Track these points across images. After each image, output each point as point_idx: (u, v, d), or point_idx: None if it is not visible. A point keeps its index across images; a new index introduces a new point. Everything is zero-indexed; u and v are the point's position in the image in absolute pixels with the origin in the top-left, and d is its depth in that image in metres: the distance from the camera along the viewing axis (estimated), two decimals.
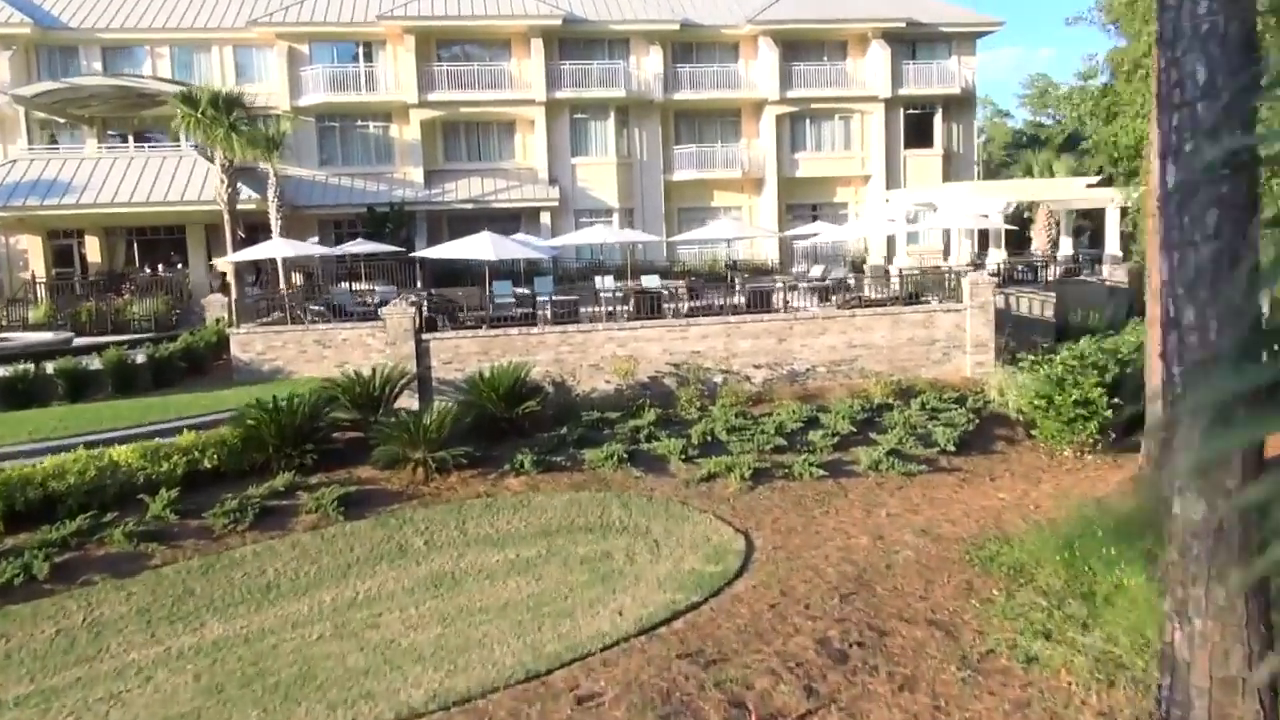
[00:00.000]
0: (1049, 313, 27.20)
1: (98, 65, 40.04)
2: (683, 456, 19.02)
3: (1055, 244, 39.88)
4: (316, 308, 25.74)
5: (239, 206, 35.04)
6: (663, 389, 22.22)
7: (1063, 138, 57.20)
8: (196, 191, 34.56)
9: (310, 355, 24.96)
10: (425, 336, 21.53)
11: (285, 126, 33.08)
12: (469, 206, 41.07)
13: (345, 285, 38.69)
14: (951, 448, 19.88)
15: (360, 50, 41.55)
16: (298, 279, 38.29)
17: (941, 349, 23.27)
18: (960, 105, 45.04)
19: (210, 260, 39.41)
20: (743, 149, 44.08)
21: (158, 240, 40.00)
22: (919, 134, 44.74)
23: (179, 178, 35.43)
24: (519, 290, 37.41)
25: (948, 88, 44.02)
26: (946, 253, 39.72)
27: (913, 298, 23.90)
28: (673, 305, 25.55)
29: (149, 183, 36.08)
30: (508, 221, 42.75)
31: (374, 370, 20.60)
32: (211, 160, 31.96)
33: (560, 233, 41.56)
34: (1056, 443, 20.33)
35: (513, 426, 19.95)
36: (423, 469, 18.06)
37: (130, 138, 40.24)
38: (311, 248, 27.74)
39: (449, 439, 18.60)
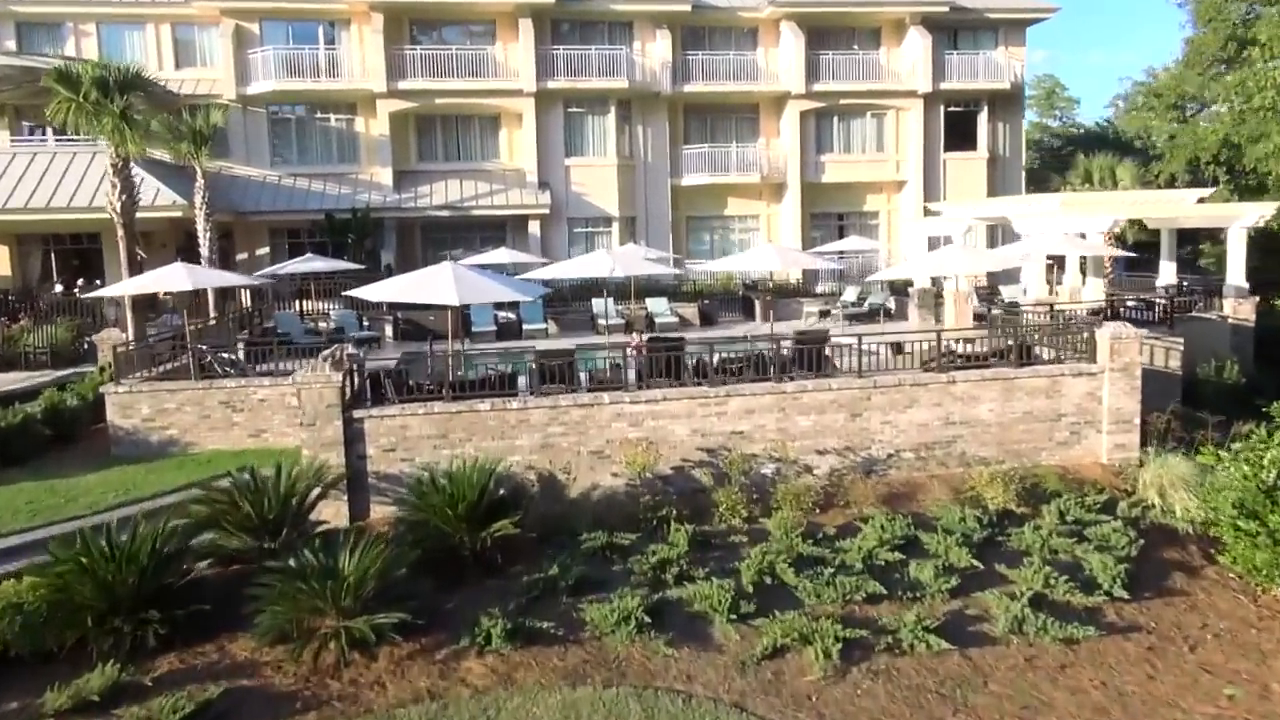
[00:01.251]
0: (1172, 363, 20.46)
1: (11, 44, 32.94)
2: (732, 614, 12.17)
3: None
4: (225, 358, 18.74)
5: (161, 214, 28.05)
6: (692, 486, 15.38)
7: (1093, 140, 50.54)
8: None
9: (216, 421, 18.02)
10: (358, 414, 14.65)
11: (216, 118, 26.05)
12: (445, 214, 34.06)
13: (296, 306, 31.75)
14: (1120, 591, 13.13)
15: (320, 31, 34.42)
16: (245, 298, 31.34)
17: (1069, 426, 16.46)
18: (1007, 103, 38.17)
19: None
20: (761, 150, 37.14)
21: (80, 251, 32.93)
22: (960, 134, 37.93)
23: (100, 178, 28.20)
24: (502, 315, 30.67)
25: (995, 82, 37.14)
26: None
27: (1025, 355, 17.03)
28: (694, 352, 18.73)
29: (69, 184, 29.02)
30: (491, 231, 35.84)
31: (279, 469, 13.68)
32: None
33: (552, 245, 34.71)
34: (1265, 578, 13.61)
35: (479, 559, 13.07)
36: (335, 646, 11.16)
37: (49, 131, 33.00)
38: (229, 277, 20.66)
39: (385, 588, 11.72)
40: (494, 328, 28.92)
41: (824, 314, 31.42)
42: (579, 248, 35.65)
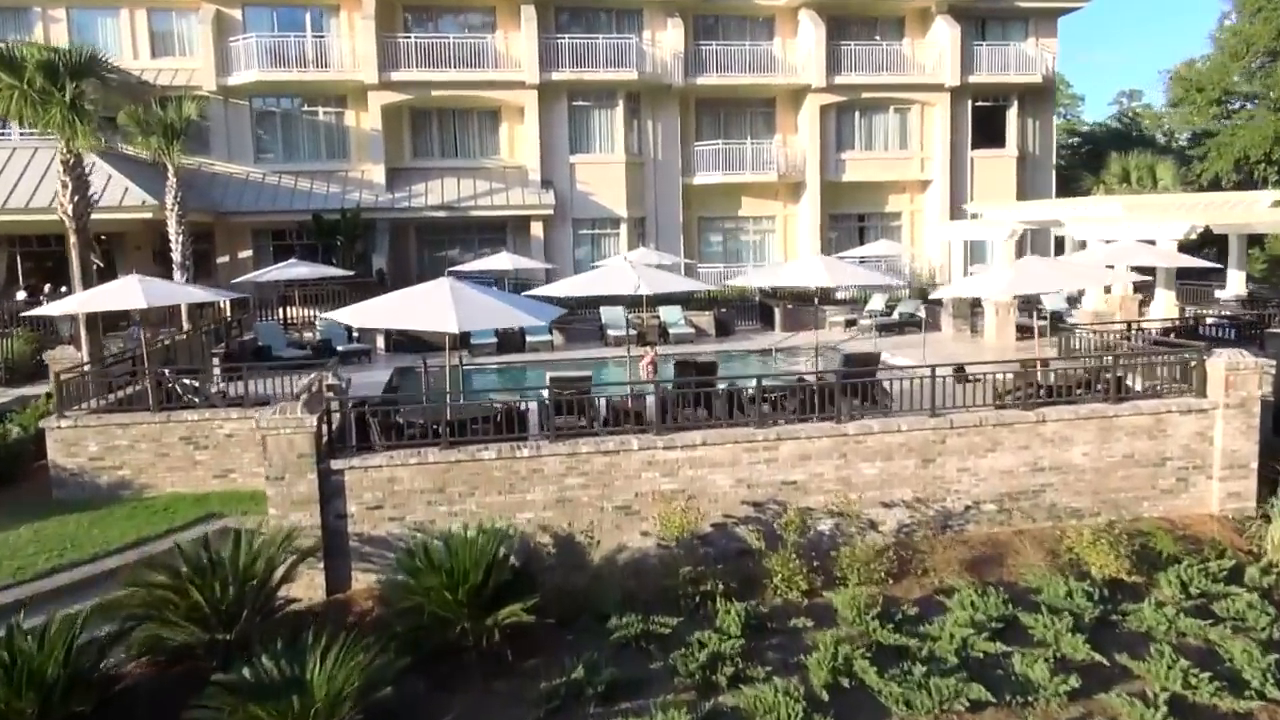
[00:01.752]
0: (1265, 388, 17.76)
1: None
2: None
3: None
4: (189, 385, 15.94)
5: (129, 215, 25.26)
6: (735, 546, 12.71)
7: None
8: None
9: (176, 460, 15.28)
10: (337, 464, 11.96)
11: (190, 110, 23.27)
12: (442, 214, 31.30)
13: (281, 314, 28.97)
14: (1275, 690, 10.50)
15: (307, 18, 31.60)
16: (226, 306, 28.55)
17: (1175, 472, 13.82)
18: (1038, 97, 35.49)
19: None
20: (778, 147, 34.44)
21: (51, 254, 30.09)
22: (988, 131, 35.25)
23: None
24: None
25: (1026, 75, 34.46)
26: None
27: (1122, 389, 14.35)
28: (727, 377, 16.07)
29: (29, 182, 26.17)
30: (490, 233, 33.09)
31: (237, 540, 10.94)
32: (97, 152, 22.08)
33: (556, 247, 32.00)
34: None
35: (485, 654, 10.38)
36: None
37: (12, 125, 30.12)
38: (192, 293, 17.55)
39: (370, 684, 9.03)
40: (495, 340, 26.25)
41: (850, 324, 28.78)
42: (584, 250, 33.00)
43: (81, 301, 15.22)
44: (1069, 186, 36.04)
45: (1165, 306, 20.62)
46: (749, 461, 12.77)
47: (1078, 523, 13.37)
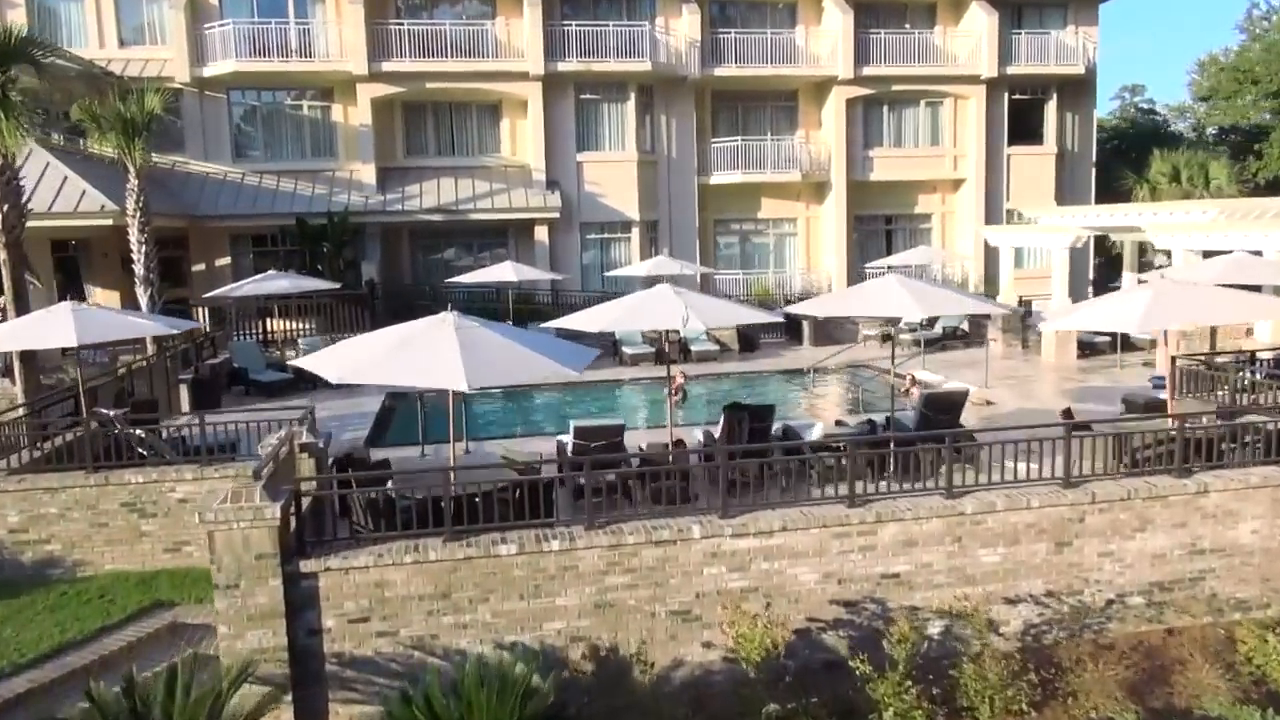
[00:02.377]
0: None
1: None
2: None
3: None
4: (136, 435, 12.85)
5: (85, 222, 22.14)
6: (823, 658, 9.73)
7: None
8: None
9: (118, 531, 12.25)
10: (308, 565, 8.95)
11: (153, 103, 20.13)
12: (438, 218, 28.21)
13: (262, 328, 25.92)
14: None
15: (290, 3, 28.41)
16: (203, 318, 25.50)
17: None
18: (1077, 90, 32.52)
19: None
20: (800, 144, 31.44)
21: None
22: (1023, 127, 32.32)
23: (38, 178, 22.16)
24: None
25: (1068, 66, 31.50)
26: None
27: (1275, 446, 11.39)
28: (780, 427, 13.14)
29: None
30: (490, 238, 30.09)
31: (172, 677, 7.93)
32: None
33: (561, 253, 28.99)
34: None
35: None
36: None
37: None
38: (139, 325, 13.96)
39: None
40: None
41: (886, 338, 25.81)
42: (591, 256, 29.98)
43: (2, 337, 12.11)
44: (1111, 186, 33.12)
45: (1275, 332, 17.68)
46: (839, 550, 9.80)
47: (1243, 616, 10.46)
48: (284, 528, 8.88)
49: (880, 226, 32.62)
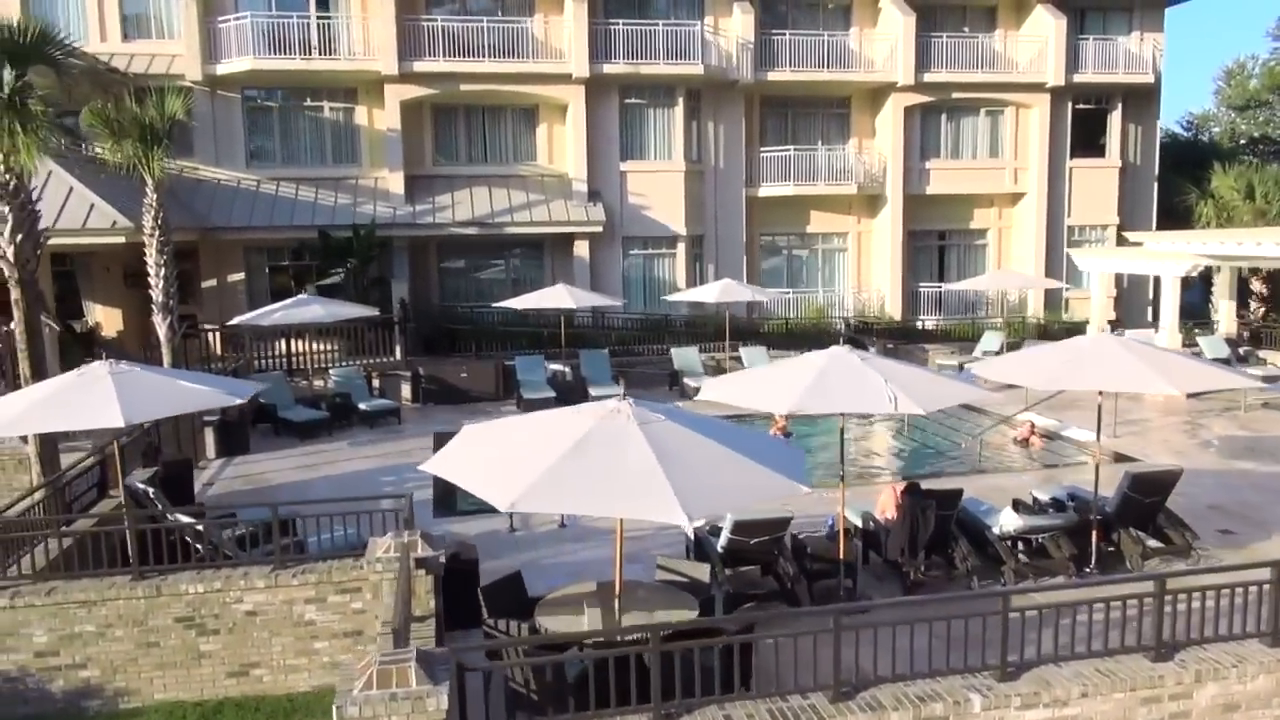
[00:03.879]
0: None
1: None
2: None
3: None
4: (188, 525, 10.25)
5: (94, 239, 19.40)
6: None
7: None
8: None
9: (171, 652, 9.64)
10: None
11: (175, 107, 17.43)
12: (473, 231, 25.62)
13: (284, 351, 23.25)
14: None
15: None
16: (215, 343, 22.86)
17: None
18: (1142, 100, 30.46)
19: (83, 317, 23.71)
20: (854, 154, 29.13)
21: None
22: (1085, 139, 30.24)
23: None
24: (556, 367, 22.51)
25: (1136, 75, 29.43)
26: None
27: None
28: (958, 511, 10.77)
29: None
30: (524, 253, 27.61)
31: None
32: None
33: (601, 270, 26.51)
34: None
35: None
36: None
37: None
38: (180, 390, 10.59)
39: None
40: (551, 394, 20.79)
41: (962, 367, 23.60)
42: (635, 273, 27.52)
43: (18, 418, 9.42)
44: (1171, 203, 31.12)
45: None
46: (1145, 718, 7.46)
47: None
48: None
49: (933, 243, 30.40)
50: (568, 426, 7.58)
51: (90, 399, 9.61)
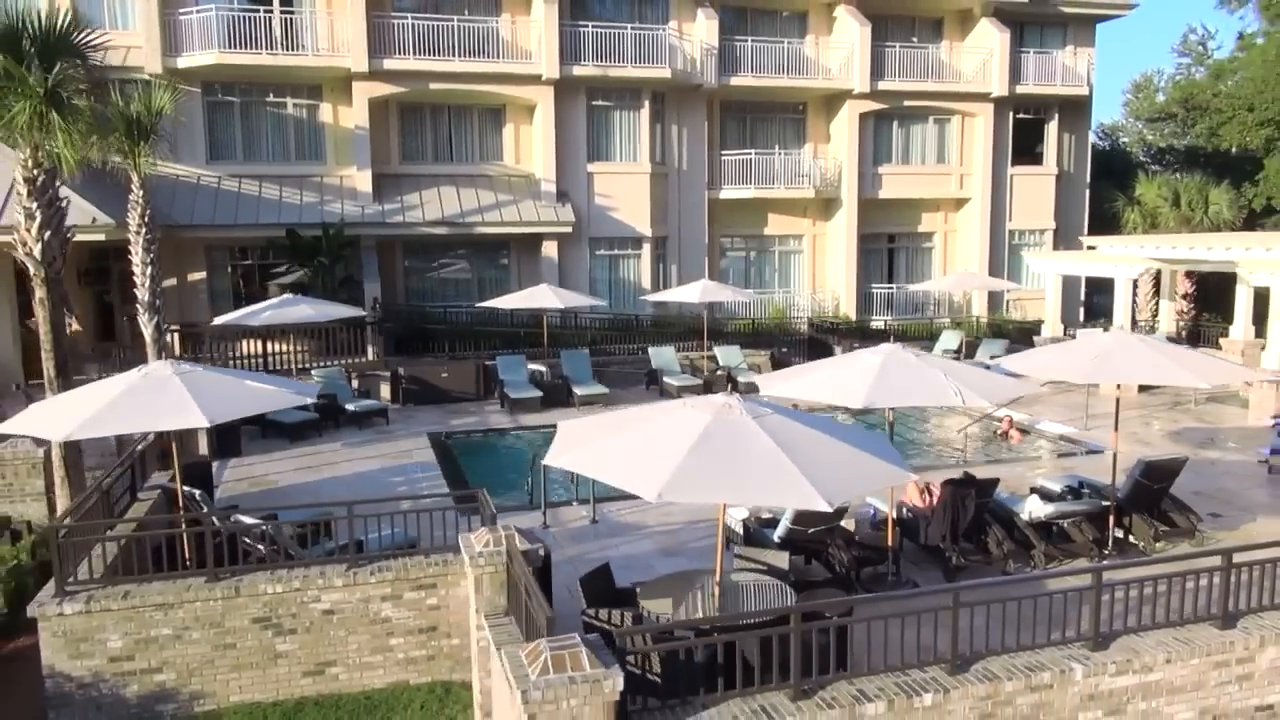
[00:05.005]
0: None
1: None
2: None
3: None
4: (249, 526, 10.20)
5: (82, 238, 18.72)
6: None
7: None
8: None
9: (247, 652, 9.63)
10: None
11: (163, 102, 17.02)
12: (443, 230, 25.55)
13: (244, 350, 22.79)
14: None
15: None
16: (175, 344, 22.23)
17: None
18: (1076, 111, 32.13)
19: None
20: (809, 158, 29.98)
21: None
22: (1023, 147, 31.75)
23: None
24: (534, 367, 22.65)
25: (1071, 87, 31.03)
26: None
27: None
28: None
29: None
30: (490, 253, 27.61)
31: None
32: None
33: (568, 270, 26.71)
34: None
35: None
36: None
37: None
38: (249, 390, 9.94)
39: None
40: (538, 393, 20.96)
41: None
42: (601, 274, 27.81)
43: (94, 419, 9.21)
44: (1101, 210, 32.87)
45: None
46: (1216, 682, 8.19)
47: None
48: (623, 704, 6.66)
49: (883, 245, 31.48)
50: (685, 421, 7.91)
51: (166, 400, 9.51)
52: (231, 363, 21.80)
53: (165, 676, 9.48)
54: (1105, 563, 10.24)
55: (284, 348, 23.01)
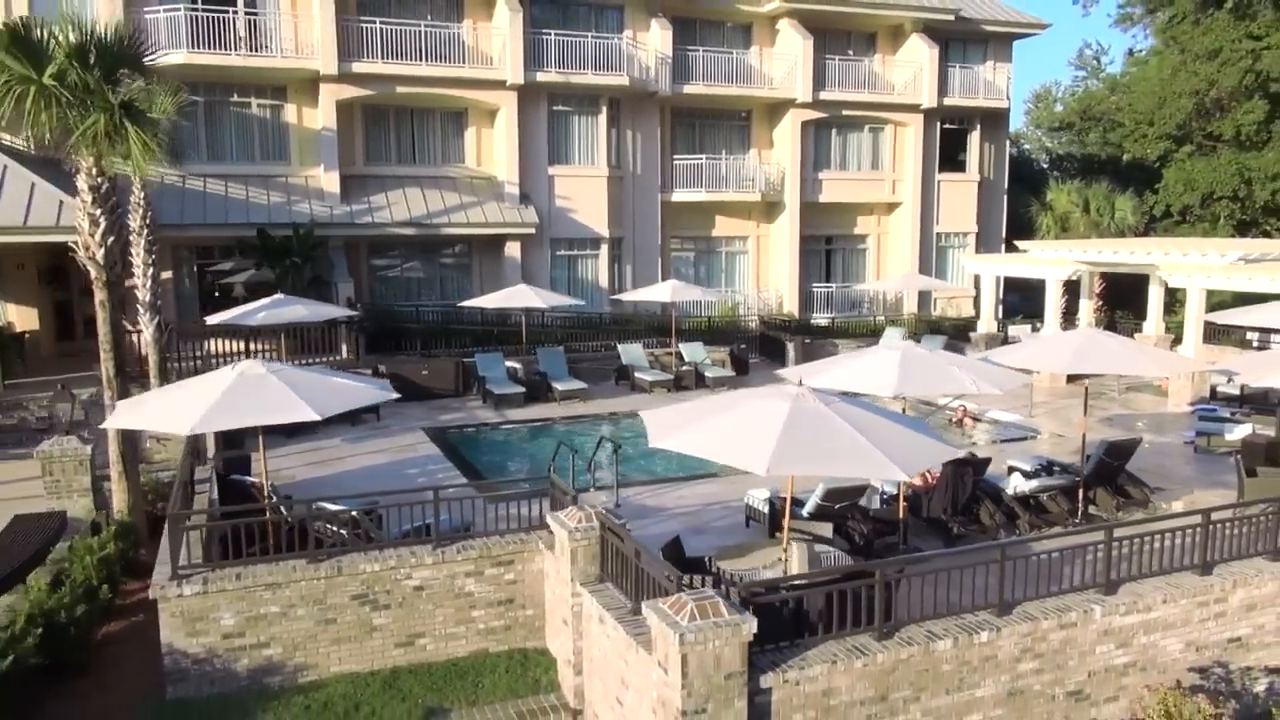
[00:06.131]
0: None
1: None
2: None
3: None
4: (333, 512, 11.10)
5: (65, 237, 18.93)
6: None
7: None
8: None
9: (345, 628, 10.55)
10: (766, 680, 8.01)
11: (167, 106, 17.36)
12: (410, 231, 26.26)
13: (206, 350, 23.10)
14: None
15: None
16: (140, 344, 22.37)
17: None
18: (995, 122, 34.68)
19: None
20: (755, 163, 31.66)
21: None
22: (950, 155, 34.10)
23: None
24: (512, 364, 23.64)
25: (993, 99, 33.52)
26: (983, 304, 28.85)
27: None
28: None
29: None
30: (452, 253, 28.47)
31: None
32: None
33: (532, 270, 27.78)
34: None
35: None
36: None
37: None
38: (339, 388, 10.27)
39: None
40: (520, 389, 21.98)
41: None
42: (561, 274, 28.89)
43: (206, 417, 9.94)
44: (1017, 216, 35.51)
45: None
46: (1199, 619, 9.94)
47: None
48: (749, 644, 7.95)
49: (821, 246, 33.38)
50: (768, 407, 9.25)
51: (270, 397, 10.34)
52: (215, 362, 22.09)
53: (272, 651, 10.34)
54: (1120, 519, 11.84)
55: (254, 346, 23.35)
